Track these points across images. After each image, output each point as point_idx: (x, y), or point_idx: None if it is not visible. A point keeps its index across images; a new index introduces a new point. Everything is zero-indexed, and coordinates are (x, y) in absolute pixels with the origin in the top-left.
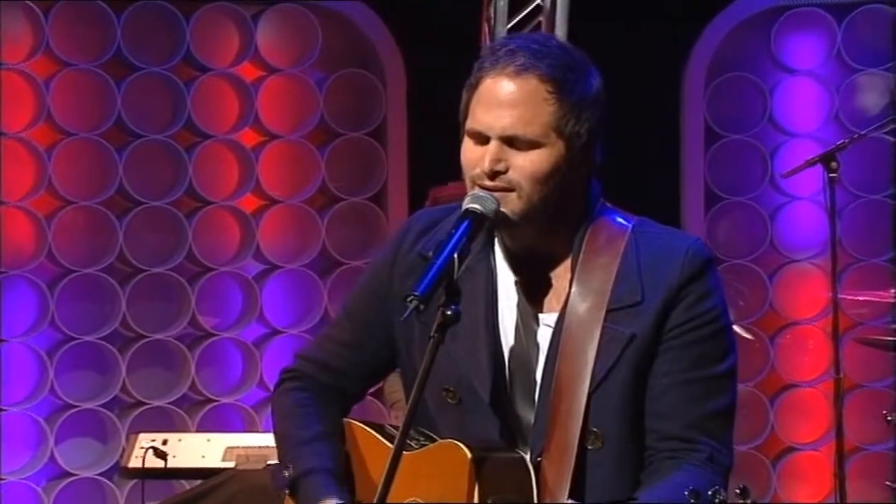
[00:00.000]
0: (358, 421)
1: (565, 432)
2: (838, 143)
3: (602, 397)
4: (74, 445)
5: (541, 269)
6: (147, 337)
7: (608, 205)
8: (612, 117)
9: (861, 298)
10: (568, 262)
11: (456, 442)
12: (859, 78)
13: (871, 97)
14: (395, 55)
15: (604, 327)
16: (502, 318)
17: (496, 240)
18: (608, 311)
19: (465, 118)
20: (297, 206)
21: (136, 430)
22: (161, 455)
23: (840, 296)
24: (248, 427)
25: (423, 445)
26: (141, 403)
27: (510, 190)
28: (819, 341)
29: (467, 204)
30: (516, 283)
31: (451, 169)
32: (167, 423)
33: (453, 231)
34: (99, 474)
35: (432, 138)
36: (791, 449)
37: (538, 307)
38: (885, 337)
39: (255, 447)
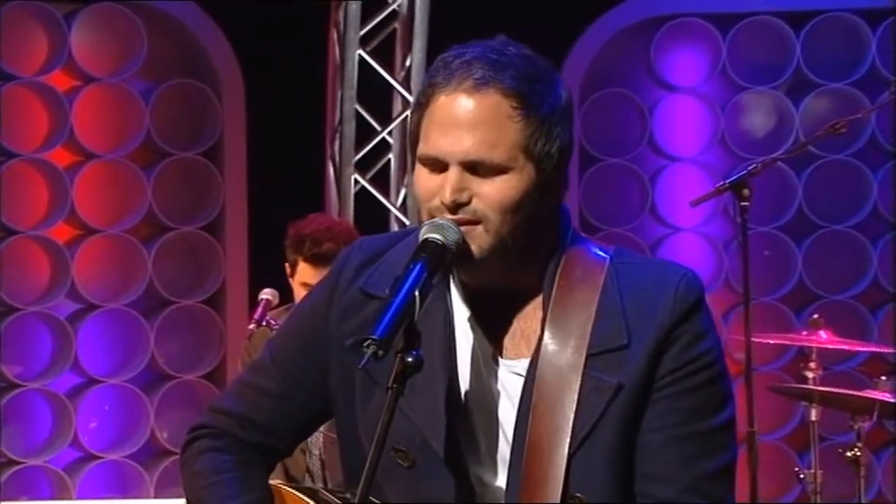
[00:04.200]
0: (286, 485)
1: (543, 499)
2: (750, 167)
3: (585, 458)
4: None
5: (506, 308)
6: None
7: (581, 233)
8: None
9: (772, 342)
10: (538, 300)
11: None
12: (745, 96)
13: (758, 118)
14: (231, 63)
15: (584, 375)
16: (461, 366)
17: (451, 275)
18: (588, 357)
19: (416, 142)
20: (119, 235)
21: None
22: None
23: (753, 339)
24: (59, 494)
25: None
26: None
27: (476, 222)
28: None
29: (426, 233)
30: (476, 324)
31: (298, 193)
32: None
33: (411, 265)
34: None
35: (275, 159)
36: None
37: (504, 352)
38: (802, 385)
39: None
